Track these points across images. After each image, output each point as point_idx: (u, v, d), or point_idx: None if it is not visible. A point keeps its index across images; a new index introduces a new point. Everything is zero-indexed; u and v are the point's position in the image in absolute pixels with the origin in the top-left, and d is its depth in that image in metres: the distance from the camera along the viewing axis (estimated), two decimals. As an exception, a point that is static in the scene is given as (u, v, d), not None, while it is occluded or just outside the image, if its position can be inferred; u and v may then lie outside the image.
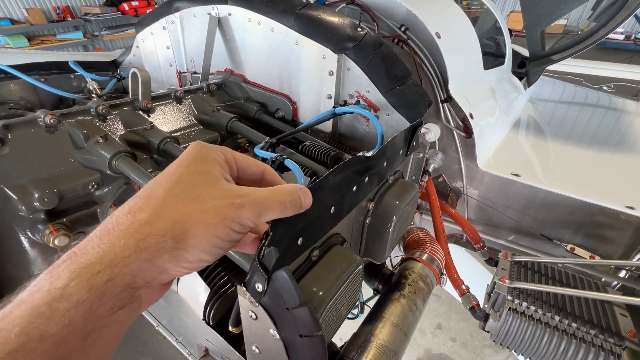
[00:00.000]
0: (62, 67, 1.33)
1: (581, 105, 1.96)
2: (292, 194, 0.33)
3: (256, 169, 0.36)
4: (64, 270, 0.25)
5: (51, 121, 0.73)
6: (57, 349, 0.23)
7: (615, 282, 1.06)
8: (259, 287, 0.35)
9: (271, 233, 0.37)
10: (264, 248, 0.36)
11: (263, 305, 0.37)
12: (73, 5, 5.85)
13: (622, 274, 1.05)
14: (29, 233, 0.70)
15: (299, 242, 0.46)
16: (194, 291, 0.52)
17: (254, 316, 0.39)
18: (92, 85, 1.19)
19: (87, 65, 1.36)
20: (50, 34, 5.60)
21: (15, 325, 0.22)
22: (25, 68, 1.23)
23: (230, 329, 0.49)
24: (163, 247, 0.27)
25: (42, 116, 0.72)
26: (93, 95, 1.18)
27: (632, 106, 1.89)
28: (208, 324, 0.52)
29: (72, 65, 1.24)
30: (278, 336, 0.38)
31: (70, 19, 5.72)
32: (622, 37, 7.25)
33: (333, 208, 0.53)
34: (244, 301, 0.39)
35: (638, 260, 1.03)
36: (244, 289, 0.37)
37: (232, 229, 0.29)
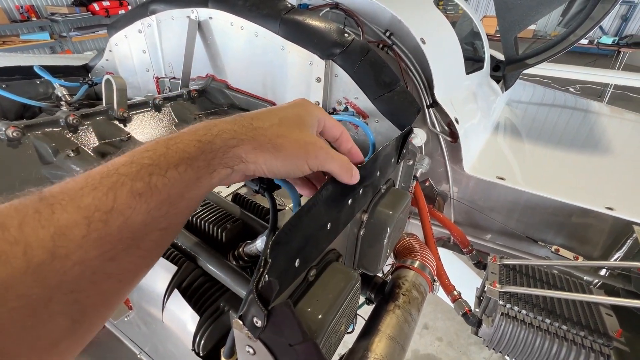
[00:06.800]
0: (26, 72, 1.23)
1: (556, 108, 2.04)
2: (348, 163, 0.45)
3: (336, 131, 0.47)
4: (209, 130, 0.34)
5: (14, 134, 0.66)
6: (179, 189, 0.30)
7: (597, 281, 1.09)
8: (258, 322, 0.32)
9: (270, 260, 0.33)
10: (262, 277, 0.33)
11: (262, 341, 0.33)
12: (38, 4, 5.53)
13: (603, 272, 1.09)
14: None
15: (296, 264, 0.43)
16: (181, 320, 0.48)
17: (251, 351, 0.36)
18: (60, 91, 1.11)
19: (55, 70, 1.27)
20: (13, 35, 5.26)
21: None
22: (-16, 73, 1.13)
23: (223, 359, 0.46)
24: (265, 146, 0.36)
25: (4, 129, 0.66)
26: (62, 102, 1.10)
27: (606, 109, 1.99)
28: (197, 354, 0.48)
29: (37, 70, 1.15)
30: (279, 372, 0.35)
31: (35, 19, 5.40)
32: (585, 41, 7.69)
33: (330, 224, 0.50)
34: (240, 335, 0.35)
35: (617, 259, 1.07)
36: (241, 322, 0.34)
37: (305, 162, 0.39)
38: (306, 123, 0.41)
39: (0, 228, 0.22)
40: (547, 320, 0.81)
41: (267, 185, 0.51)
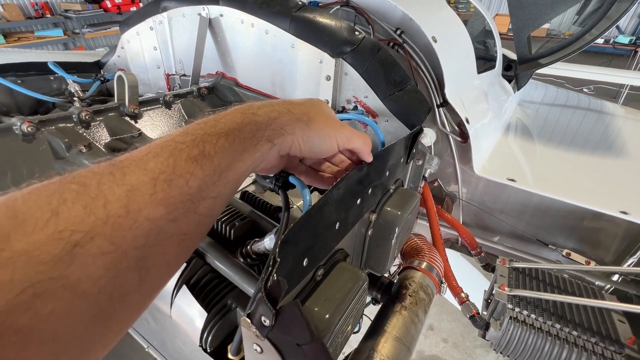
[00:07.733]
0: (40, 68, 1.25)
1: (569, 108, 2.00)
2: (370, 140, 0.50)
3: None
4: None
5: (29, 129, 0.67)
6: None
7: (609, 286, 1.07)
8: (266, 321, 0.32)
9: (279, 259, 0.33)
10: (271, 276, 0.33)
11: (270, 340, 0.33)
12: (52, 1, 5.63)
13: (615, 277, 1.07)
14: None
15: (304, 263, 0.43)
16: (189, 316, 0.48)
17: (258, 349, 0.36)
18: (73, 87, 1.12)
19: (69, 66, 1.28)
20: (28, 31, 5.36)
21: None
22: (0, 69, 1.15)
23: (230, 356, 0.46)
24: (301, 119, 0.41)
25: (19, 124, 0.67)
26: (75, 98, 1.11)
27: (620, 110, 1.94)
28: (205, 350, 0.48)
29: (51, 67, 1.17)
30: (286, 371, 0.35)
31: (49, 16, 5.49)
32: (601, 40, 7.50)
33: (338, 224, 0.50)
34: (248, 333, 0.35)
35: (630, 264, 1.04)
36: (249, 321, 0.34)
37: (333, 138, 0.44)
38: (326, 110, 0.47)
39: (82, 186, 0.25)
40: (557, 325, 0.79)
41: (283, 183, 0.51)
